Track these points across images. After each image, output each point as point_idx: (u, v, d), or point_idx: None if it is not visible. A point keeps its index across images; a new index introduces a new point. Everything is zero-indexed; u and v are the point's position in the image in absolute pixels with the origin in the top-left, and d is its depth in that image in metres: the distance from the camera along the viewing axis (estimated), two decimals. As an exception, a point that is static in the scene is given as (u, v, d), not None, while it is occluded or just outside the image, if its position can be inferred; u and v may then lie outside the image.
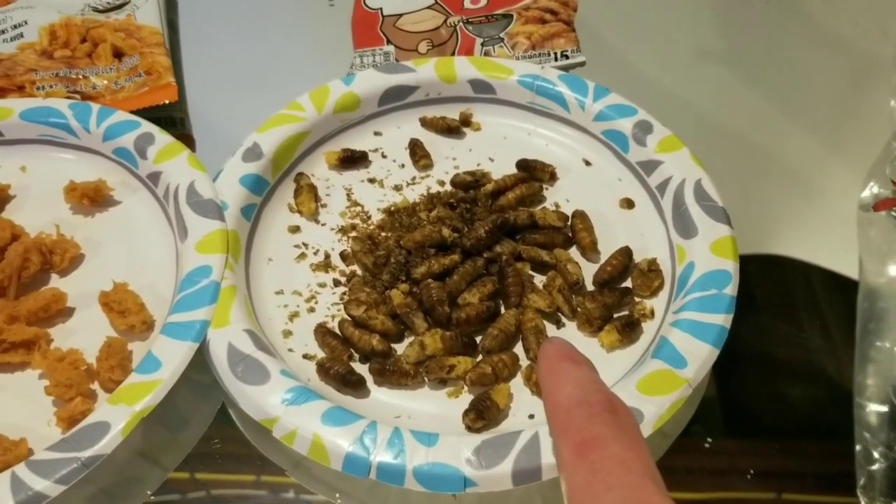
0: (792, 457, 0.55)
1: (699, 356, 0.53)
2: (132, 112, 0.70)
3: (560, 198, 0.67)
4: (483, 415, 0.52)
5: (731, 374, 0.54)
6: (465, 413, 0.52)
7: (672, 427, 0.57)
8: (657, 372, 0.52)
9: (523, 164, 0.68)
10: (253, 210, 0.65)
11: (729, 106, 0.75)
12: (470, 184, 0.67)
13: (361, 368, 0.57)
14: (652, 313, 0.59)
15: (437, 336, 0.55)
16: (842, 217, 0.67)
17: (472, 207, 0.64)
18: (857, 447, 0.53)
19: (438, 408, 0.55)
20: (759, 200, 0.68)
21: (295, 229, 0.66)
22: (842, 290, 0.63)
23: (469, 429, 0.52)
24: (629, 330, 0.57)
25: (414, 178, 0.69)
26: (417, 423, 0.54)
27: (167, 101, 0.77)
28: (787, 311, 0.62)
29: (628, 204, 0.66)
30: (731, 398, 0.57)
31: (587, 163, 0.70)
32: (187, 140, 0.77)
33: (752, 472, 0.54)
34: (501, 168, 0.68)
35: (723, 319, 0.55)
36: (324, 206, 0.68)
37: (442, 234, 0.61)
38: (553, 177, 0.68)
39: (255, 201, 0.65)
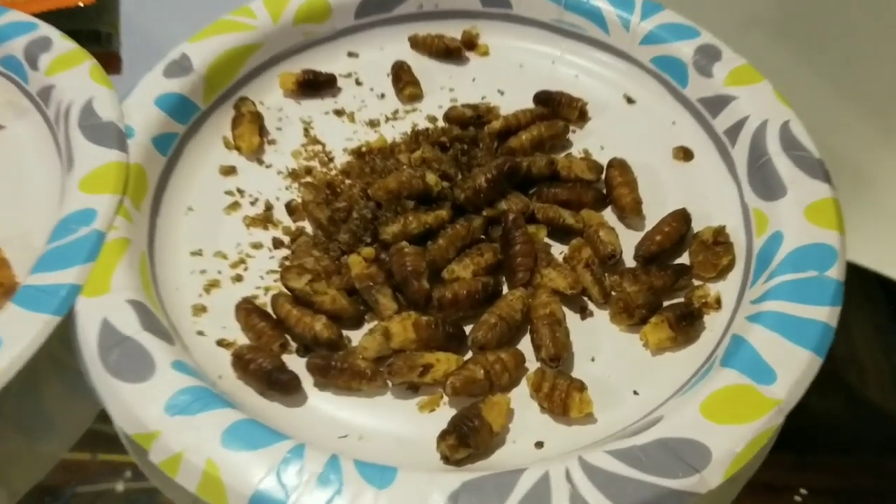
0: (844, 473, 0.48)
1: (794, 366, 0.39)
2: (36, 15, 0.58)
3: (592, 143, 0.54)
4: (467, 440, 0.39)
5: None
6: (443, 436, 0.39)
7: (747, 470, 0.39)
8: (732, 388, 0.39)
9: (544, 98, 0.55)
10: (172, 141, 0.52)
11: (776, 81, 0.63)
12: (470, 120, 0.54)
13: (299, 364, 0.43)
14: (718, 302, 0.46)
15: (408, 322, 0.42)
16: (893, 211, 0.61)
17: (471, 150, 0.51)
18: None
19: (404, 426, 0.41)
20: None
21: (229, 171, 0.53)
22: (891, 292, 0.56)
23: (446, 460, 0.39)
24: (686, 324, 0.43)
25: (396, 112, 0.57)
26: (371, 447, 0.40)
27: (81, 4, 0.60)
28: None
29: (685, 154, 0.53)
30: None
31: (629, 100, 0.57)
32: (111, 60, 0.59)
33: (803, 490, 0.46)
34: (514, 103, 0.56)
35: (827, 314, 0.41)
36: (272, 142, 0.55)
37: (425, 180, 0.48)
38: (583, 115, 0.55)
39: (175, 130, 0.52)
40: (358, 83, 0.58)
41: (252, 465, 0.36)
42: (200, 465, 0.36)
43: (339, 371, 0.42)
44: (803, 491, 0.44)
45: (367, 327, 0.45)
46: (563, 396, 0.40)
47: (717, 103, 0.53)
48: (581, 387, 0.41)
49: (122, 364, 0.39)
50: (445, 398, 0.42)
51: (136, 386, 0.39)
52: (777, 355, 0.39)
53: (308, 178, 0.52)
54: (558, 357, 0.42)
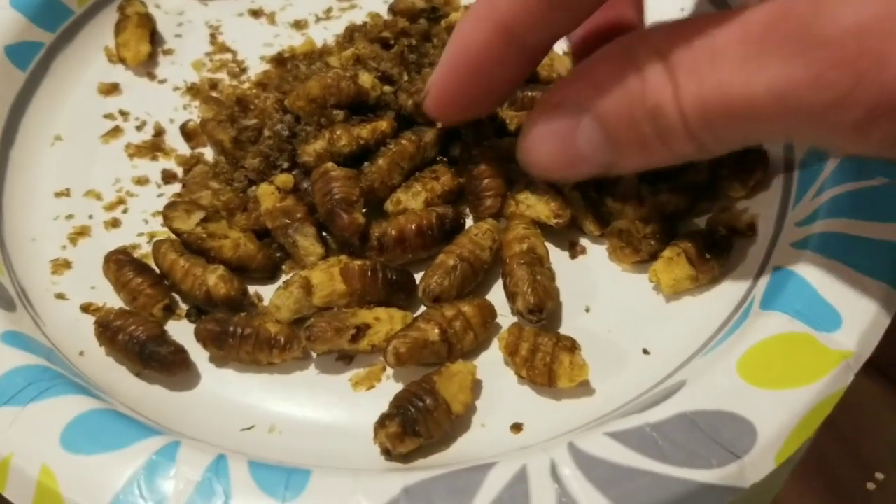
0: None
1: (865, 304, 0.30)
2: None
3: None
4: (415, 426, 0.30)
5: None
6: (382, 421, 0.30)
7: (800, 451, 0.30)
8: (780, 338, 0.30)
9: (516, -19, 0.41)
10: (34, 53, 0.43)
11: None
12: (422, 13, 0.44)
13: (189, 332, 0.34)
14: (752, 228, 0.36)
15: (335, 269, 0.34)
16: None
17: (422, 46, 0.42)
18: None
19: (333, 411, 0.32)
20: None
21: (110, 89, 0.44)
22: None
23: (388, 454, 0.30)
24: (711, 257, 0.34)
25: (329, 10, 0.48)
26: (285, 442, 0.31)
27: None
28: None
29: (700, 44, 0.40)
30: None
31: (625, -19, 0.47)
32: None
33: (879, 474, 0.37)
34: (479, -10, 0.42)
35: (906, 232, 0.32)
36: (167, 52, 0.46)
37: (358, 82, 0.38)
38: (567, 2, 0.42)
39: (39, 38, 0.44)
40: (281, -24, 0.49)
41: (103, 473, 0.27)
42: (33, 474, 0.27)
43: (240, 339, 0.32)
44: (879, 476, 0.35)
45: (283, 281, 0.35)
46: (547, 360, 0.31)
47: (739, -23, 0.43)
48: (571, 346, 0.32)
49: (-73, 339, 0.30)
50: (387, 369, 0.33)
51: (-54, 369, 0.30)
52: (840, 290, 0.30)
53: (213, 94, 0.42)
54: (541, 307, 0.32)
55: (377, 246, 0.35)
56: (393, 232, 0.35)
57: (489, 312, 0.33)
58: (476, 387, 0.32)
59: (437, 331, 0.32)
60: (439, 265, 0.34)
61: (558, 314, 0.34)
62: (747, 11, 0.26)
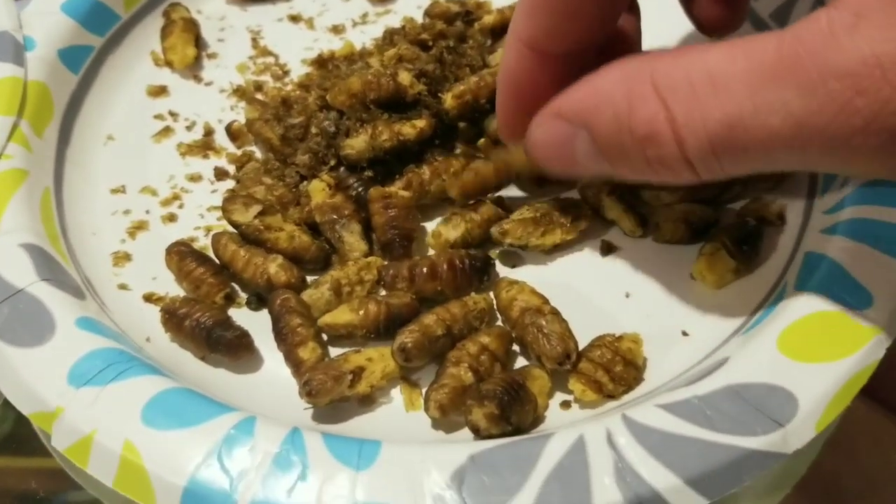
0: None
1: (893, 283, 0.32)
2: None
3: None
4: (510, 413, 0.31)
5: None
6: (480, 400, 0.31)
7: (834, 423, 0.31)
8: (815, 316, 0.32)
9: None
10: (85, 56, 0.45)
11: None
12: (456, 16, 0.46)
13: (250, 320, 0.35)
14: (781, 217, 0.38)
15: (353, 307, 0.35)
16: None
17: (458, 47, 0.43)
18: None
19: (389, 390, 0.34)
20: None
21: (158, 91, 0.46)
22: None
23: (476, 433, 0.31)
24: (748, 248, 0.36)
25: (365, 15, 0.50)
26: (345, 419, 0.33)
27: None
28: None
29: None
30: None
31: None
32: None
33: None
34: (510, -5, 0.48)
35: (931, 215, 0.33)
36: (212, 55, 0.48)
37: (397, 80, 0.39)
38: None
39: (89, 42, 0.45)
40: (317, -18, 0.50)
41: (185, 447, 0.28)
42: (117, 449, 0.29)
43: (278, 336, 0.34)
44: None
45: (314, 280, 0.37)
46: (620, 361, 0.32)
47: (760, -20, 0.45)
48: (620, 336, 0.33)
49: (11, 324, 0.32)
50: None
51: (30, 351, 0.31)
52: (869, 271, 0.32)
53: (258, 96, 0.44)
54: (567, 353, 0.32)
55: (408, 276, 0.35)
56: (425, 270, 0.35)
57: (508, 338, 0.34)
58: (551, 394, 0.33)
59: (470, 374, 0.32)
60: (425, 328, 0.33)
61: (601, 298, 0.36)
62: (749, 42, 0.26)
